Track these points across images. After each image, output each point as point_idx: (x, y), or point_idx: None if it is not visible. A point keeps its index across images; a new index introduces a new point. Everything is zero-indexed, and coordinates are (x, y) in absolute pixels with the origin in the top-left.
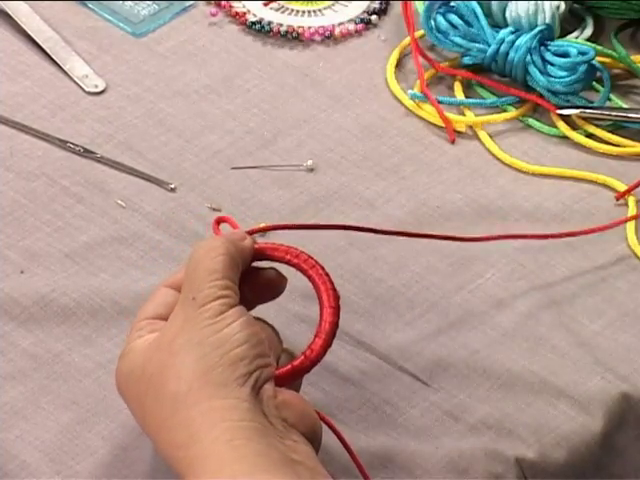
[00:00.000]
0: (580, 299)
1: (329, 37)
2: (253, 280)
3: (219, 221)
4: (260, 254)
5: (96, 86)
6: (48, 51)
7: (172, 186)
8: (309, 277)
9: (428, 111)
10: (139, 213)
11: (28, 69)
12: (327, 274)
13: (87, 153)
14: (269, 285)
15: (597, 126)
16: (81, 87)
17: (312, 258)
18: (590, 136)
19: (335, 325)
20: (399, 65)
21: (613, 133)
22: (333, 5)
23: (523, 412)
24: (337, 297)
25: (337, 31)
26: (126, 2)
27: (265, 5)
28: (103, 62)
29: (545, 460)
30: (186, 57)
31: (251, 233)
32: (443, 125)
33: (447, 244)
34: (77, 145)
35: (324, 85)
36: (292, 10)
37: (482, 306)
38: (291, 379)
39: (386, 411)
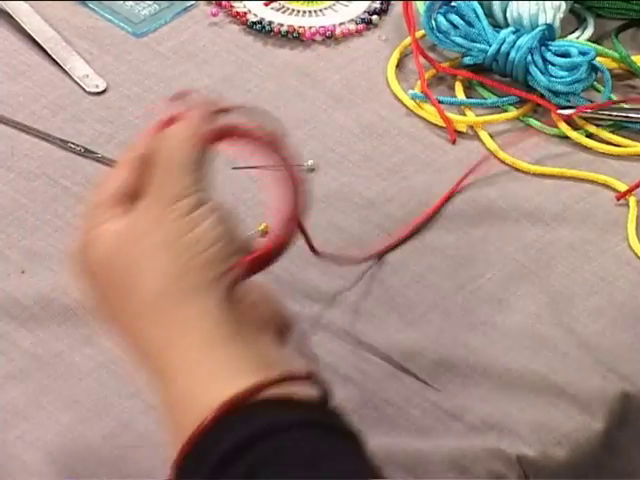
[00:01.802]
0: (581, 299)
1: (330, 37)
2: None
3: (180, 96)
4: (223, 134)
5: (97, 86)
6: (49, 51)
7: None
8: (265, 151)
9: (429, 111)
10: None
11: (29, 69)
12: (285, 147)
13: (88, 153)
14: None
15: (598, 126)
16: (82, 87)
17: (270, 133)
18: (591, 136)
19: (300, 204)
20: (400, 65)
21: (614, 133)
22: (334, 5)
23: (524, 412)
24: (300, 180)
25: (338, 31)
26: (127, 2)
27: (266, 5)
28: (104, 62)
29: (546, 459)
30: (187, 57)
31: (215, 112)
32: (444, 125)
33: (448, 244)
34: (78, 145)
35: (325, 85)
36: (293, 10)
37: (483, 306)
38: (262, 265)
39: (387, 411)
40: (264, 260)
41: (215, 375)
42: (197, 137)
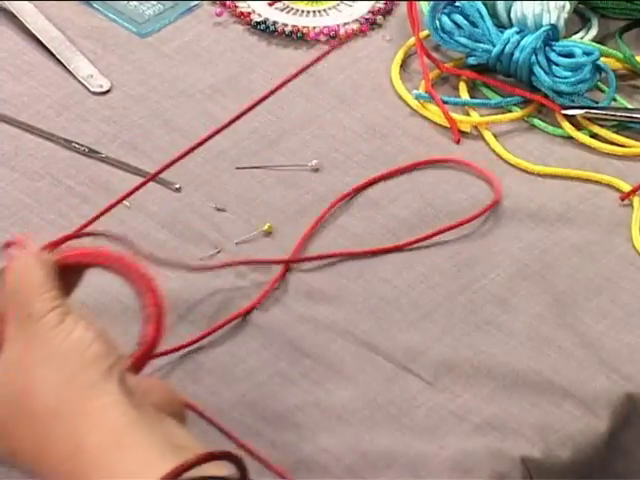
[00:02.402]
0: (585, 299)
1: (334, 37)
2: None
3: (8, 244)
4: (63, 263)
5: (101, 86)
6: (53, 51)
7: (177, 186)
8: (116, 270)
9: (433, 111)
10: (144, 213)
11: (33, 69)
12: (132, 262)
13: (92, 153)
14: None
15: (602, 126)
16: (86, 87)
17: (111, 251)
18: (595, 136)
19: (161, 307)
20: (404, 65)
21: (618, 133)
22: (338, 5)
23: (528, 412)
24: (152, 280)
25: (342, 31)
26: (131, 2)
27: (270, 5)
28: (108, 62)
29: (550, 459)
30: (191, 57)
31: (48, 248)
32: (448, 125)
33: (452, 244)
34: (82, 145)
35: (329, 85)
36: (297, 10)
37: (487, 306)
38: (145, 362)
39: (390, 411)
40: (145, 358)
41: (129, 468)
42: (38, 261)
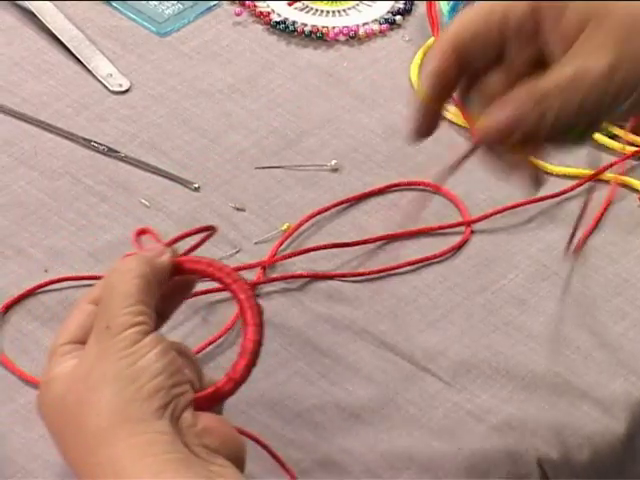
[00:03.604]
0: (603, 300)
1: (353, 37)
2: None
3: (139, 233)
4: (180, 268)
5: (120, 85)
6: (72, 50)
7: (196, 185)
8: (232, 292)
9: (452, 112)
10: (163, 212)
11: (52, 68)
12: (251, 289)
13: (111, 152)
14: (180, 289)
15: (621, 127)
16: (105, 86)
17: (235, 272)
18: (614, 137)
19: (259, 344)
20: (423, 65)
21: (637, 135)
22: (357, 5)
23: (546, 413)
24: (261, 313)
25: (361, 31)
26: (150, 1)
27: (289, 5)
28: (127, 61)
29: (568, 461)
30: (210, 57)
31: (171, 244)
32: (467, 126)
33: (471, 244)
34: (101, 144)
35: (348, 85)
36: (316, 10)
37: (505, 307)
38: (213, 402)
39: (409, 411)
40: (215, 398)
41: None
42: (139, 269)
